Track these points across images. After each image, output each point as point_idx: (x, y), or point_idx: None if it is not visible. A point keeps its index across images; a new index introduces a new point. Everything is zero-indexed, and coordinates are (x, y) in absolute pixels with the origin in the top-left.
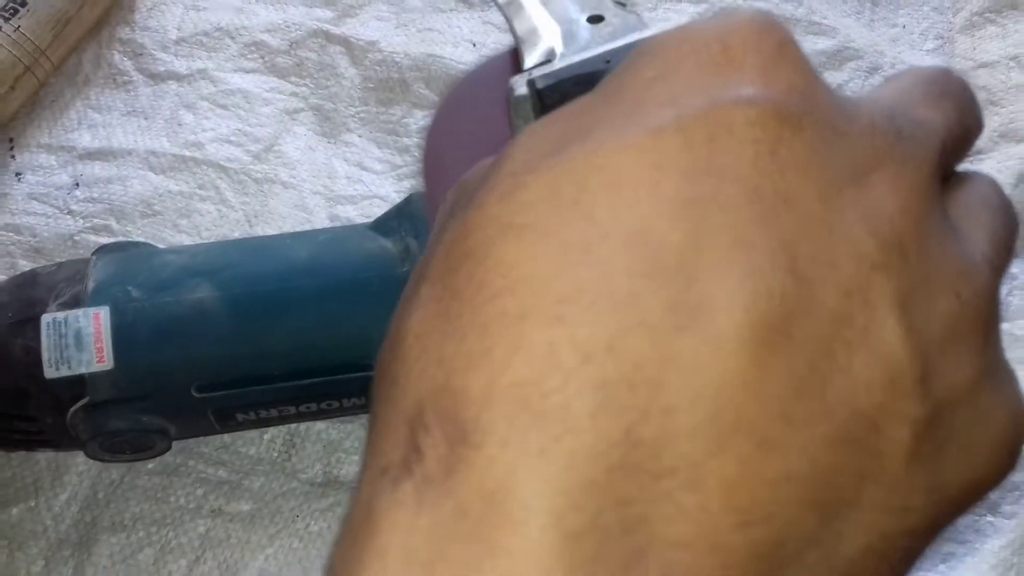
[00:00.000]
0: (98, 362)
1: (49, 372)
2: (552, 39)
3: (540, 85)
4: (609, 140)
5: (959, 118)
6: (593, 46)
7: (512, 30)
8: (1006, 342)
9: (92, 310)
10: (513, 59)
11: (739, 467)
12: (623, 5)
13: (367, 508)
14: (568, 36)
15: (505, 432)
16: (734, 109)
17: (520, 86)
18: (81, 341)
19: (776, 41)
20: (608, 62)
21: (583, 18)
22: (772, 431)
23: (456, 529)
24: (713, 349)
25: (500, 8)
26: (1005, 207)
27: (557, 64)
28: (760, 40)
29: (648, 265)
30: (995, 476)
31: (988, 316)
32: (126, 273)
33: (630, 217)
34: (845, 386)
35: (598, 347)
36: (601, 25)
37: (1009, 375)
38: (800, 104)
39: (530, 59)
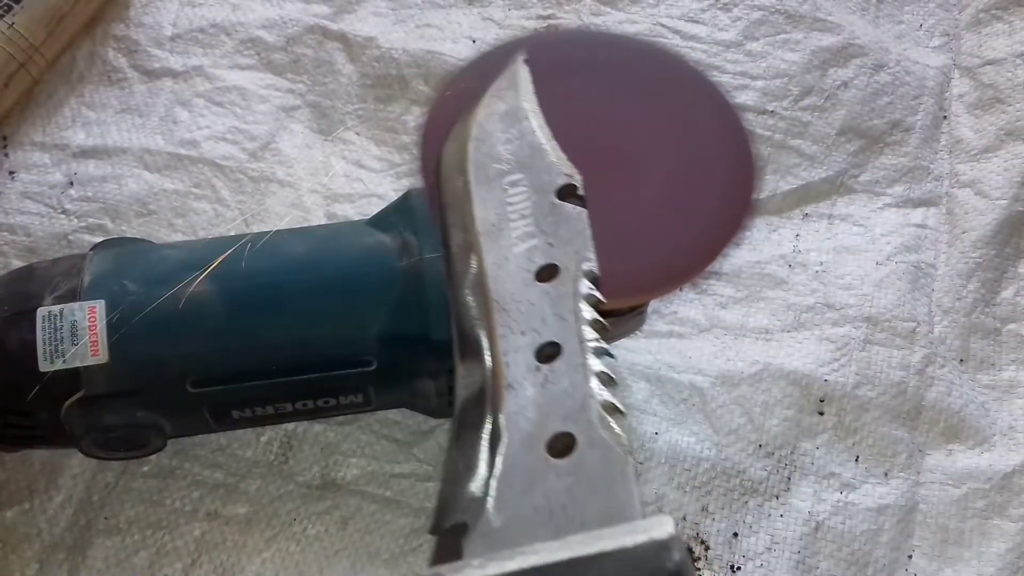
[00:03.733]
0: (93, 355)
1: (44, 365)
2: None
3: None
4: None
5: None
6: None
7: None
8: (1013, 342)
9: (88, 303)
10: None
11: None
12: (621, 413)
13: None
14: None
15: None
16: None
17: None
18: (76, 334)
19: None
20: None
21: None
22: None
23: None
24: None
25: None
26: None
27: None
28: None
29: None
30: None
31: None
32: (122, 267)
33: None
34: None
35: None
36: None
37: None
38: None
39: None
